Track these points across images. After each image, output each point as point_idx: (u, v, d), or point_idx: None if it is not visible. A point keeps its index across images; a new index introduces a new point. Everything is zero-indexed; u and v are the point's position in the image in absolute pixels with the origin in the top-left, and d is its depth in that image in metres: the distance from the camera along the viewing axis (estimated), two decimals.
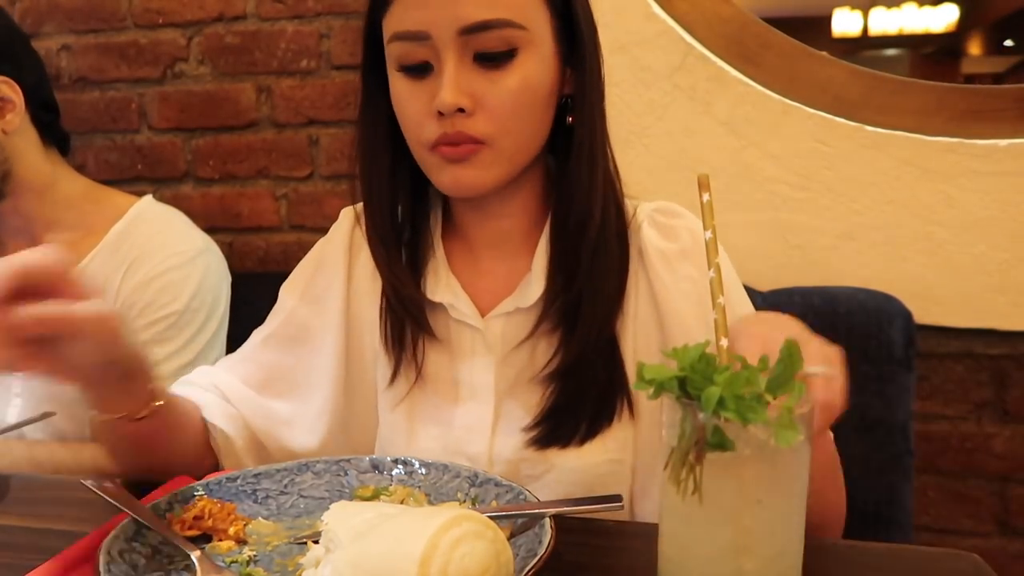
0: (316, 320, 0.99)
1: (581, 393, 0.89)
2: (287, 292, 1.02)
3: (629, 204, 0.96)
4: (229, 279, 1.43)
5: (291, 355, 0.99)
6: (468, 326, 0.94)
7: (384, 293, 0.96)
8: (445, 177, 0.88)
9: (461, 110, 0.83)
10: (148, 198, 1.40)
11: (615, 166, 0.93)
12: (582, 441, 0.89)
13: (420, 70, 0.85)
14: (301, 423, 0.98)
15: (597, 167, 0.89)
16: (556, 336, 0.90)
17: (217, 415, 0.95)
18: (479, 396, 0.93)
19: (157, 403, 0.82)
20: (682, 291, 0.90)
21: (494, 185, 0.88)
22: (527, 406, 0.91)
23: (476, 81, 0.84)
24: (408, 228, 0.96)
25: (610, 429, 0.89)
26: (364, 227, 0.95)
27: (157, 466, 0.87)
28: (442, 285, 0.94)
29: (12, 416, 1.30)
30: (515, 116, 0.85)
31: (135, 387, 0.81)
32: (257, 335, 1.02)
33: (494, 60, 0.83)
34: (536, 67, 0.85)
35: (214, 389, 0.98)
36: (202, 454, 0.95)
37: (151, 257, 1.30)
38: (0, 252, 1.36)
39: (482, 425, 0.92)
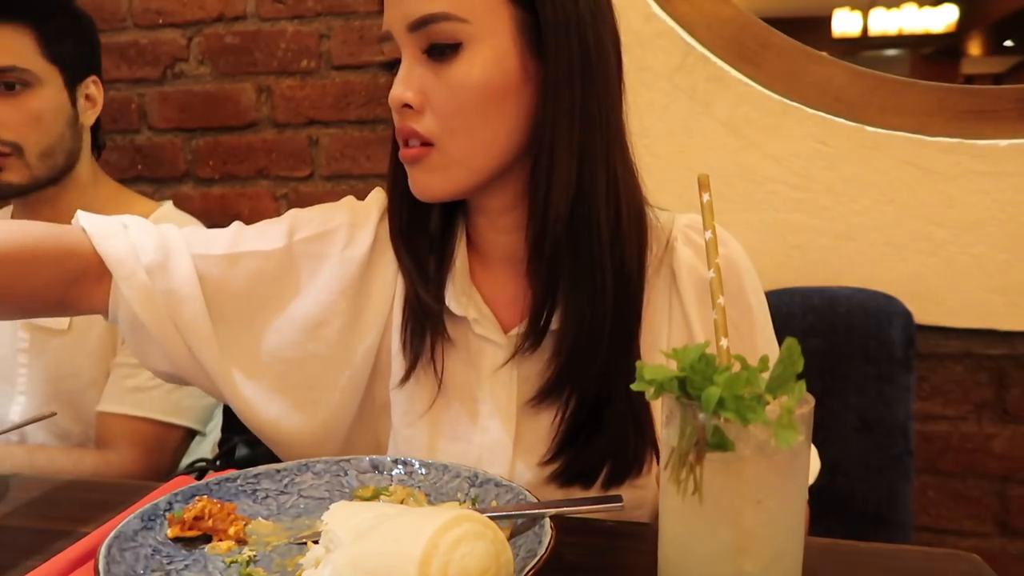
0: (303, 273, 0.92)
1: (596, 427, 0.85)
2: (296, 223, 0.93)
3: (663, 217, 0.91)
4: None
5: (258, 291, 0.90)
6: (490, 341, 0.90)
7: (405, 297, 0.92)
8: (409, 180, 0.86)
9: (409, 106, 0.82)
10: (168, 205, 1.43)
11: (624, 173, 0.86)
12: (605, 487, 0.85)
13: (396, 67, 0.85)
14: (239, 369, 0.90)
15: (556, 173, 0.82)
16: (558, 358, 0.86)
17: (134, 287, 0.84)
18: (500, 414, 0.89)
19: None
20: (707, 319, 0.87)
21: (454, 190, 0.85)
22: (548, 430, 0.87)
23: (426, 77, 0.82)
24: (440, 236, 0.93)
25: (639, 477, 0.85)
26: (388, 228, 0.93)
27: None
28: (463, 297, 0.90)
29: (15, 414, 1.31)
30: (459, 114, 0.81)
31: None
32: (240, 239, 0.91)
33: (441, 54, 0.81)
34: (485, 63, 0.81)
35: (157, 254, 0.86)
36: (55, 279, 0.83)
37: None
38: None
39: (503, 444, 0.88)
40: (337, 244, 0.93)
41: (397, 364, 0.93)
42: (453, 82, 0.81)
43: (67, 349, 1.31)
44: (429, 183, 0.84)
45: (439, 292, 0.91)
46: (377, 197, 0.97)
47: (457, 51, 0.81)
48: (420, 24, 0.80)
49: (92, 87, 1.37)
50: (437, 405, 0.91)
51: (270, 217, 0.96)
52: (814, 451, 0.94)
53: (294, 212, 0.96)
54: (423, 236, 0.92)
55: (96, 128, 1.41)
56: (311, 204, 0.97)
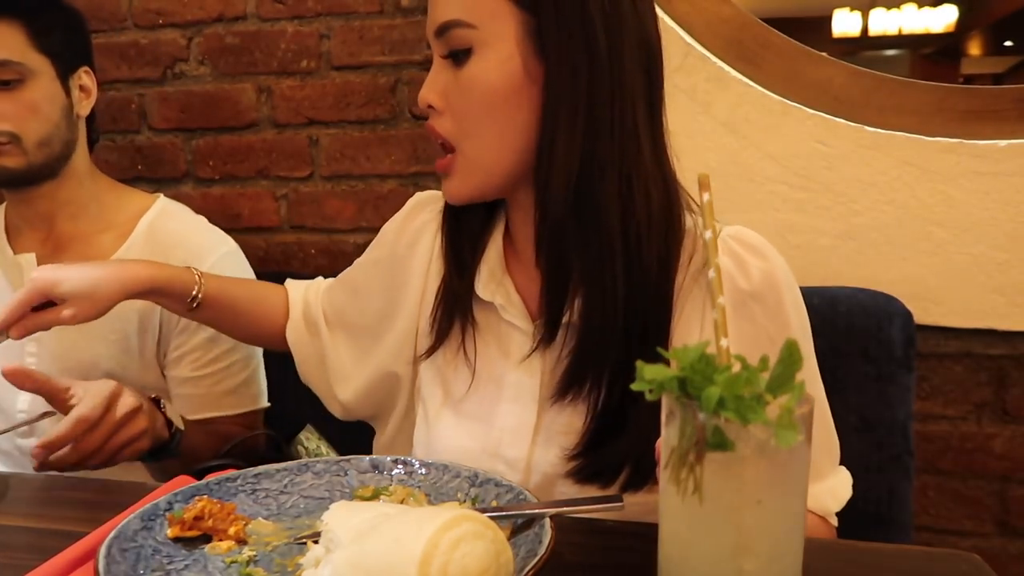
0: (368, 296, 1.08)
1: (622, 428, 0.85)
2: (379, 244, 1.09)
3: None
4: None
5: (355, 301, 1.10)
6: (517, 328, 0.93)
7: (443, 280, 0.99)
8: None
9: (432, 108, 0.88)
10: (163, 199, 1.45)
11: (642, 177, 0.84)
12: (623, 490, 0.85)
13: None
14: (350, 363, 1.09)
15: (556, 173, 0.83)
16: (574, 350, 0.87)
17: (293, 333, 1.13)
18: (523, 399, 0.92)
19: (195, 304, 1.07)
20: (740, 331, 0.84)
21: (471, 192, 0.91)
22: (571, 424, 0.88)
23: (448, 81, 0.87)
24: (481, 229, 0.98)
25: (658, 484, 0.86)
26: (442, 214, 1.00)
27: (245, 337, 1.21)
28: (493, 284, 0.95)
29: (24, 403, 1.30)
30: (470, 116, 0.87)
31: (168, 299, 1.08)
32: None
33: (456, 58, 0.86)
34: (491, 67, 0.84)
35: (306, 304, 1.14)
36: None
37: (203, 257, 1.35)
38: (15, 238, 1.41)
39: (523, 430, 0.91)
40: (384, 250, 1.07)
41: (423, 342, 1.00)
42: (464, 85, 0.86)
43: (83, 337, 1.30)
44: (452, 187, 0.91)
45: (471, 279, 0.96)
46: (413, 199, 1.08)
47: (468, 56, 0.85)
48: (441, 31, 0.86)
49: (85, 77, 1.39)
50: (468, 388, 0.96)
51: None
52: (847, 478, 0.93)
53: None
54: (467, 228, 0.98)
55: (91, 121, 1.43)
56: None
